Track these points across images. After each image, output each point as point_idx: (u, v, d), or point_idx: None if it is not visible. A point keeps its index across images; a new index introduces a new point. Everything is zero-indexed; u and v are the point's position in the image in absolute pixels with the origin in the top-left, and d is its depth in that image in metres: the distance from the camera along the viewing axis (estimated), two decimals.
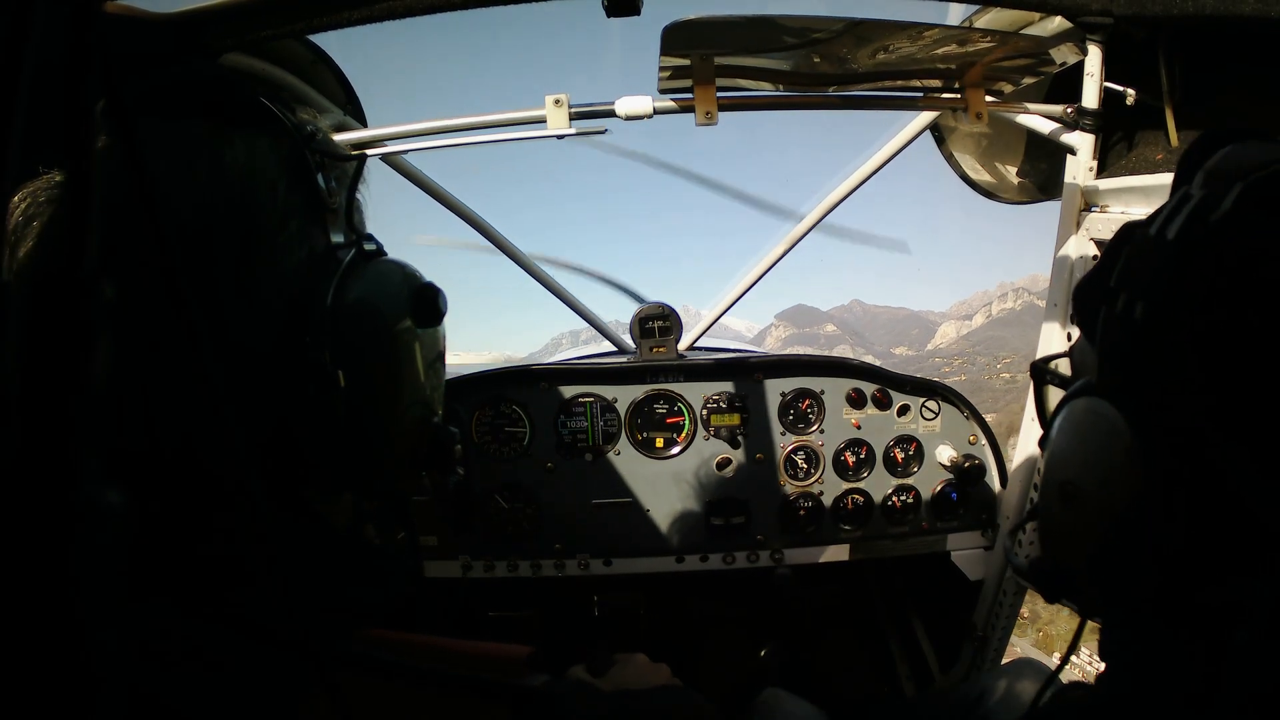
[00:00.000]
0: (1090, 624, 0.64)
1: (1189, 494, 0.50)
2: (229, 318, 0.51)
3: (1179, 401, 0.50)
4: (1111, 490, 0.55)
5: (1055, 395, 0.68)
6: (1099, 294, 0.57)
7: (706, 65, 1.47)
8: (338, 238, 0.58)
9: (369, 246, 0.60)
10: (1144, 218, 0.57)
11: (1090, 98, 1.49)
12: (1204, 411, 0.49)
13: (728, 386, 1.99)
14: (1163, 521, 0.51)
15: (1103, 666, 0.58)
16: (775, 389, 1.99)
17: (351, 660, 0.48)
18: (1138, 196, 1.49)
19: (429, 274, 0.63)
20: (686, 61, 1.45)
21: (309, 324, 0.53)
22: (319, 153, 0.57)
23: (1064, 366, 0.73)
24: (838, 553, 1.99)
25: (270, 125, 0.56)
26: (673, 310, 1.97)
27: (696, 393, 1.99)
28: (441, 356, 0.65)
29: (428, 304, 0.60)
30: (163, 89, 0.55)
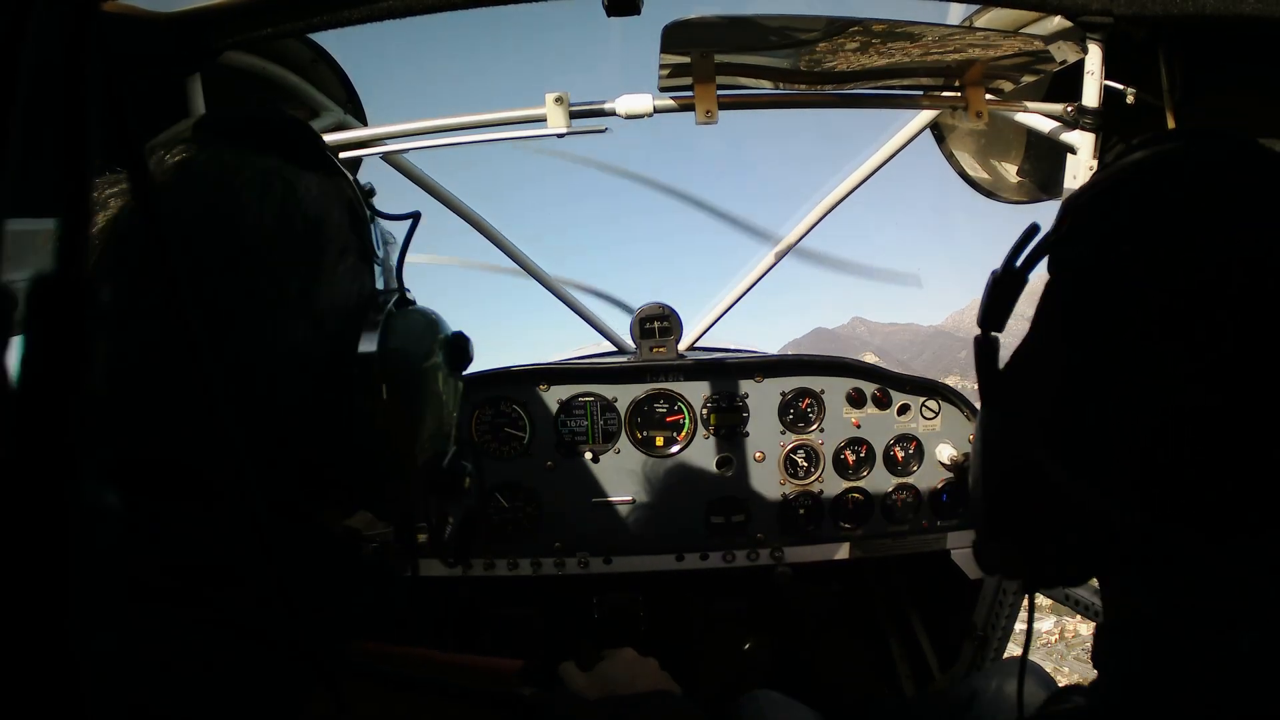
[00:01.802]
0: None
1: (1020, 486, 0.58)
2: (288, 327, 0.54)
3: (1003, 409, 0.60)
4: (975, 480, 0.64)
5: None
6: None
7: (706, 63, 1.47)
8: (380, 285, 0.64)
9: (410, 296, 0.65)
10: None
11: (1090, 96, 1.49)
12: (1023, 422, 0.57)
13: (728, 386, 1.99)
14: (1006, 509, 0.60)
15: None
16: (775, 388, 1.99)
17: (344, 667, 0.48)
18: None
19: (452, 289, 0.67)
20: (686, 60, 1.45)
21: (354, 358, 0.57)
22: (371, 207, 0.63)
23: None
24: (838, 551, 1.99)
25: (333, 172, 0.61)
26: (673, 310, 1.97)
27: (696, 392, 1.99)
28: (459, 392, 0.72)
29: (459, 351, 0.67)
30: (243, 121, 0.60)
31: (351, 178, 0.62)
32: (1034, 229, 0.58)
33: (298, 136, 0.61)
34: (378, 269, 0.64)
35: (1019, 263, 0.59)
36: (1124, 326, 0.50)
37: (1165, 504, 0.49)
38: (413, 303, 0.65)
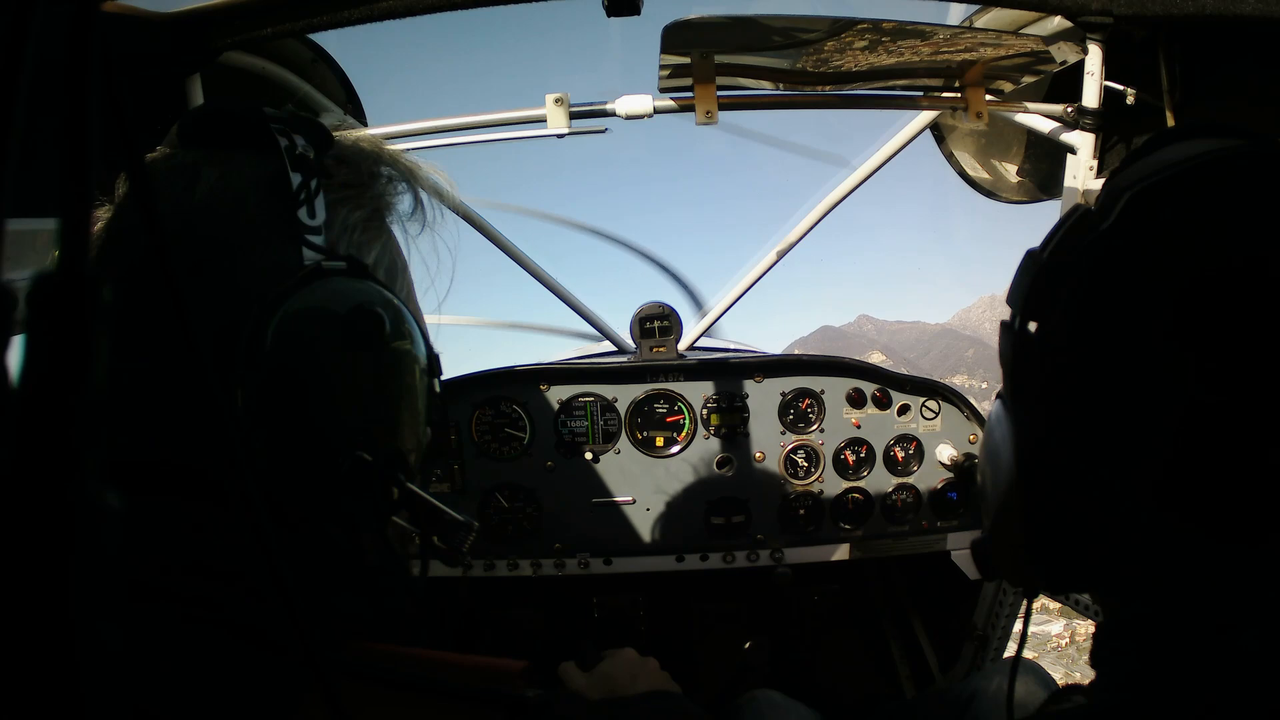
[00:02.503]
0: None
1: (1058, 495, 0.55)
2: (216, 314, 0.52)
3: (1049, 412, 0.55)
4: (1000, 486, 0.60)
5: None
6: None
7: (706, 64, 1.47)
8: (317, 256, 0.55)
9: (331, 264, 0.55)
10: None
11: (1090, 97, 1.49)
12: (1070, 423, 0.54)
13: (728, 386, 1.99)
14: (1036, 516, 0.57)
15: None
16: (775, 388, 1.99)
17: (345, 668, 0.47)
18: None
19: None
20: (686, 60, 1.45)
21: (237, 342, 0.51)
22: (311, 170, 0.56)
23: None
24: (838, 552, 1.99)
25: (262, 148, 0.56)
26: (673, 310, 1.97)
27: (696, 392, 1.99)
28: (395, 384, 0.58)
29: (353, 325, 0.54)
30: (188, 118, 0.58)
31: (288, 141, 0.56)
32: (1074, 211, 0.55)
33: (218, 121, 0.59)
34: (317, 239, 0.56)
35: (1051, 246, 0.55)
36: (1153, 325, 0.49)
37: (1182, 506, 0.49)
38: (343, 271, 0.56)
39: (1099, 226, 0.53)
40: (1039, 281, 0.56)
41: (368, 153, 0.64)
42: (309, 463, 0.53)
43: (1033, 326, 0.56)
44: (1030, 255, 0.59)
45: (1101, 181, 1.55)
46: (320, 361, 0.53)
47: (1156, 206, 0.51)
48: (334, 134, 0.63)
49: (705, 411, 1.98)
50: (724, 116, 1.56)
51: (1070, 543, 0.57)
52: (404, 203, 0.66)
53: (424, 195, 0.67)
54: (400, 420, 0.58)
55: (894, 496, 1.99)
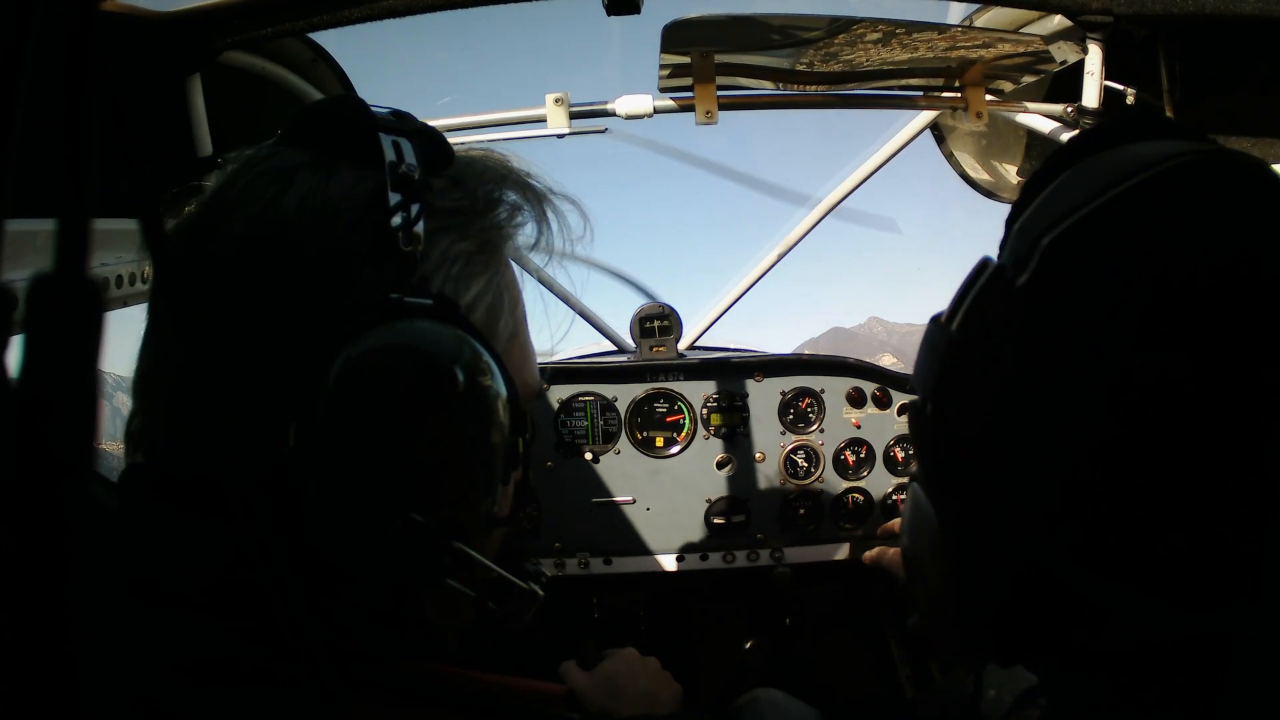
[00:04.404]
0: None
1: (990, 581, 0.50)
2: (246, 351, 0.49)
3: (975, 502, 0.48)
4: (930, 573, 0.55)
5: None
6: None
7: (706, 63, 1.47)
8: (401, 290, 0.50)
9: (415, 301, 0.49)
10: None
11: (1090, 97, 1.49)
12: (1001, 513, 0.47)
13: (728, 385, 1.99)
14: (966, 601, 0.52)
15: None
16: (775, 388, 1.99)
17: (383, 685, 0.47)
18: None
19: None
20: (686, 60, 1.45)
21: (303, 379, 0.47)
22: (414, 191, 0.50)
23: None
24: (838, 551, 1.99)
25: (365, 156, 0.51)
26: (673, 310, 1.97)
27: (696, 392, 1.99)
28: (463, 443, 0.51)
29: (424, 381, 0.48)
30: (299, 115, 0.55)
31: (397, 157, 0.51)
32: (983, 267, 0.48)
33: (324, 123, 0.55)
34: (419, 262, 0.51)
35: (960, 314, 0.47)
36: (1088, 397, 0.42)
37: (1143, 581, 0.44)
38: (428, 310, 0.50)
39: (1015, 284, 0.44)
40: (949, 360, 0.47)
41: (491, 175, 0.57)
42: (357, 516, 0.48)
43: (945, 412, 0.48)
44: (935, 324, 0.50)
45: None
46: (379, 411, 0.47)
47: (1080, 254, 0.42)
48: (457, 152, 0.57)
49: (705, 411, 1.98)
50: (724, 116, 1.56)
51: (1009, 623, 0.51)
52: (525, 234, 0.59)
53: (553, 229, 0.60)
54: (466, 481, 0.52)
55: (894, 496, 1.99)
